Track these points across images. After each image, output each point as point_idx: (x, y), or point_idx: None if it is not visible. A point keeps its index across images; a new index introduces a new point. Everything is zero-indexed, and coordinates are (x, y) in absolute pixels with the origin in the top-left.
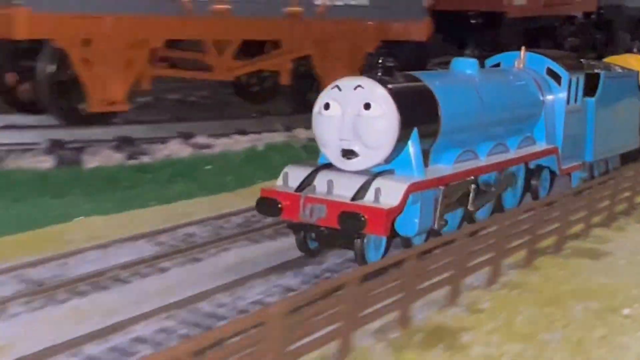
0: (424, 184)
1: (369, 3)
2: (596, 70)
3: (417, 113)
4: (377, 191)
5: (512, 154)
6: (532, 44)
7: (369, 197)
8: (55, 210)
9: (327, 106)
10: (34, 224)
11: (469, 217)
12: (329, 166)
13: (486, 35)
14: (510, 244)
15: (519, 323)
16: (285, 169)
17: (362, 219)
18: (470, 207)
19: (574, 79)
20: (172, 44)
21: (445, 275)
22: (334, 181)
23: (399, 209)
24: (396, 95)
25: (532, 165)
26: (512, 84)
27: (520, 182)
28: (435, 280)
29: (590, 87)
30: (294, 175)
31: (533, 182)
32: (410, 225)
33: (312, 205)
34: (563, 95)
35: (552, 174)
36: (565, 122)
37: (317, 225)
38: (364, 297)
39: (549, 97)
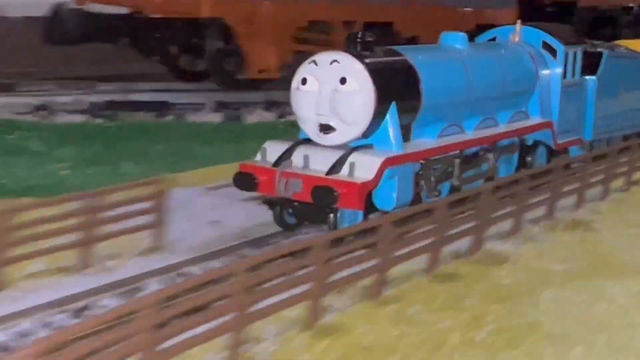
0: (401, 159)
1: None
2: (599, 49)
3: (396, 88)
4: (352, 166)
5: (502, 128)
6: (595, 33)
7: (343, 172)
8: (230, 152)
9: (304, 81)
10: (217, 161)
11: (456, 192)
12: (307, 141)
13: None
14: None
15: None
16: (264, 145)
17: (335, 193)
18: (455, 182)
19: (570, 53)
20: (310, 24)
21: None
22: (311, 156)
23: (373, 184)
24: (373, 69)
25: (528, 141)
26: (503, 58)
27: (514, 157)
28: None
29: (592, 65)
30: (272, 150)
31: (528, 158)
32: (388, 199)
33: (287, 179)
34: (559, 69)
35: (550, 151)
36: (561, 96)
37: (293, 200)
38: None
39: (544, 71)
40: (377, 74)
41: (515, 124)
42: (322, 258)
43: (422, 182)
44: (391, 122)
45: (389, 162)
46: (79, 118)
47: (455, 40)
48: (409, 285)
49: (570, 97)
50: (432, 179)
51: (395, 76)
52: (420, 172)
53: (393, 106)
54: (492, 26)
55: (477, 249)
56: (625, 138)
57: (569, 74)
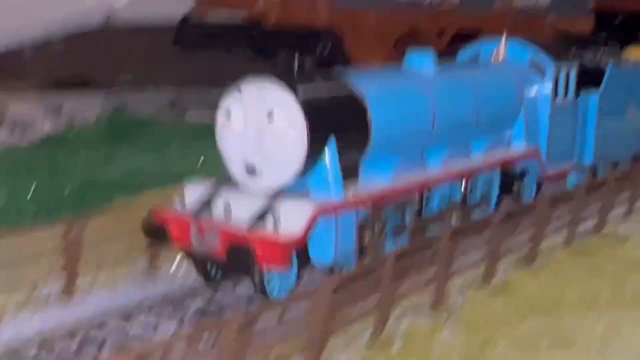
0: (340, 206)
1: (549, 3)
2: (600, 63)
3: (335, 121)
4: (278, 217)
5: (477, 160)
6: None
7: (268, 224)
8: None
9: (229, 113)
10: None
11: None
12: (233, 184)
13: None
14: None
15: None
16: (185, 186)
17: (253, 254)
18: (413, 229)
19: (562, 71)
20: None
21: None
22: (233, 204)
23: (301, 239)
24: (306, 100)
25: (514, 170)
26: (479, 79)
27: (494, 191)
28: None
29: (595, 80)
30: (192, 194)
31: (515, 186)
32: (325, 253)
33: (203, 232)
34: (548, 88)
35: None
36: (551, 119)
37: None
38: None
39: (532, 92)
40: (311, 105)
41: (494, 153)
42: (500, 228)
43: (373, 231)
44: (329, 161)
45: (322, 211)
46: None
47: (422, 61)
48: (554, 256)
49: (563, 120)
50: (384, 226)
51: (335, 107)
52: (369, 220)
53: (332, 142)
54: (570, 35)
55: (601, 228)
56: (638, 159)
57: (560, 94)
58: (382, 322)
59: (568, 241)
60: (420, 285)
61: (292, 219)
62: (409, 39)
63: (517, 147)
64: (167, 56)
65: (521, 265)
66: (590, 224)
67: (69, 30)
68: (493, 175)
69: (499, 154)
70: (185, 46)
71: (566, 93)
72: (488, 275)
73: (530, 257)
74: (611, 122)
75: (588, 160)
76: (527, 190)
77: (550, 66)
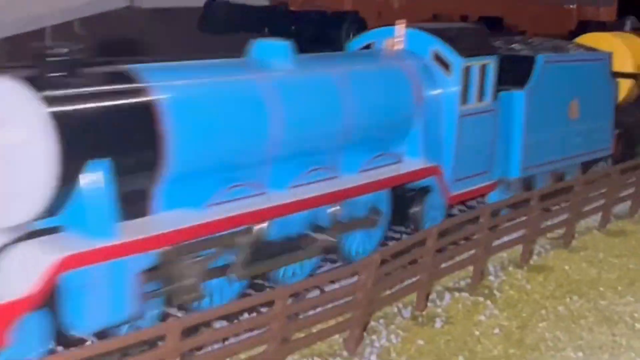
0: (106, 252)
1: None
2: (525, 53)
3: (108, 134)
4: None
5: (342, 183)
6: None
7: None
8: None
9: None
10: None
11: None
12: None
13: None
14: None
15: None
16: None
17: None
18: (234, 274)
19: (474, 67)
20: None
21: None
22: None
23: (29, 303)
24: (57, 105)
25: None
26: (356, 76)
27: (380, 218)
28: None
29: (522, 75)
30: None
31: (413, 210)
32: (79, 318)
33: None
34: (455, 89)
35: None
36: (458, 128)
37: None
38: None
39: (433, 94)
40: (66, 113)
41: (370, 174)
42: (537, 211)
43: (166, 283)
44: (95, 191)
45: (70, 263)
46: None
47: (273, 53)
48: (589, 237)
49: (477, 127)
50: (181, 275)
51: (108, 115)
52: (160, 267)
53: (102, 165)
54: (592, 23)
55: (636, 211)
56: (586, 167)
57: (472, 95)
58: (424, 299)
59: (603, 223)
60: (460, 264)
61: (23, 274)
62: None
63: (410, 165)
64: (192, 39)
65: (557, 246)
66: (625, 206)
67: (91, 13)
68: (377, 199)
69: (380, 174)
70: (210, 29)
71: (481, 94)
72: (525, 256)
73: (566, 238)
74: (546, 125)
75: (514, 174)
76: (429, 215)
77: (457, 61)
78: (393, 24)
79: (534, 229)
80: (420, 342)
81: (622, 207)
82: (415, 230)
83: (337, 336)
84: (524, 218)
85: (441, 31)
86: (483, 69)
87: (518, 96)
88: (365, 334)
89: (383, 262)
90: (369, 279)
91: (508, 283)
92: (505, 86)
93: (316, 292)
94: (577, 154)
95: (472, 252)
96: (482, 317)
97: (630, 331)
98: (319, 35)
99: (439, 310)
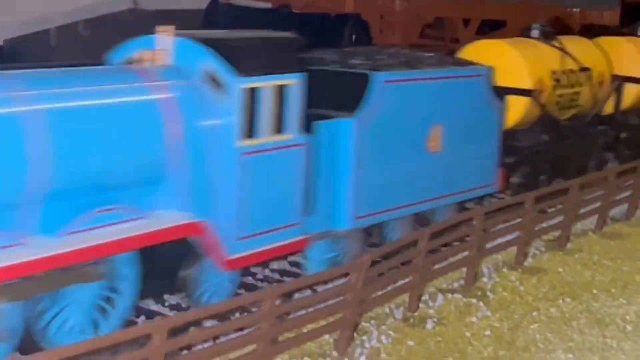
0: None
1: None
2: (361, 69)
3: None
4: None
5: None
6: None
7: None
8: None
9: None
10: None
11: None
12: None
13: None
14: None
15: None
16: None
17: None
18: None
19: (263, 89)
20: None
21: None
22: None
23: None
24: None
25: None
26: (60, 114)
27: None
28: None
29: (351, 98)
30: None
31: (183, 272)
32: None
33: None
34: (231, 119)
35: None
36: (240, 171)
37: None
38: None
39: (202, 125)
40: None
41: (78, 237)
42: (531, 213)
43: None
44: None
45: None
46: None
47: None
48: (585, 240)
49: (272, 168)
50: None
51: None
52: None
53: None
54: (596, 27)
55: (632, 214)
56: (462, 207)
57: (261, 127)
58: (416, 300)
59: (599, 226)
60: (453, 266)
61: None
62: (435, 26)
63: (158, 221)
64: None
65: (552, 248)
66: (622, 209)
67: (95, 15)
68: (123, 262)
69: (96, 236)
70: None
71: (279, 124)
72: (520, 258)
73: (561, 241)
74: (393, 160)
75: (342, 225)
76: (212, 281)
77: (233, 81)
78: (399, 26)
79: (528, 231)
80: (411, 343)
81: (618, 210)
82: (188, 297)
83: (327, 336)
84: (518, 220)
85: (219, 42)
86: (279, 91)
87: (345, 125)
88: (355, 334)
89: (374, 263)
90: (358, 279)
91: (501, 285)
92: (331, 112)
93: (307, 292)
94: (444, 194)
95: (466, 253)
96: (474, 319)
97: (621, 333)
98: (321, 35)
99: (431, 311)
